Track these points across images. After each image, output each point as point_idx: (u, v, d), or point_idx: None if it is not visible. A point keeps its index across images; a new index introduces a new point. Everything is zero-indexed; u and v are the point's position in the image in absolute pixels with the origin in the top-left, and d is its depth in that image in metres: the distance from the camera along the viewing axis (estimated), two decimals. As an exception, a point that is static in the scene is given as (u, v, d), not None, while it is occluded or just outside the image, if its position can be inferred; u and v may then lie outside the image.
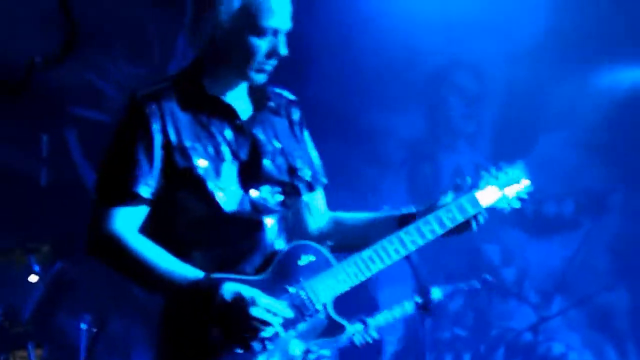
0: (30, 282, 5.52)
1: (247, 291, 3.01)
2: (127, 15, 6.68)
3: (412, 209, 3.46)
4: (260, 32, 3.11)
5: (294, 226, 3.38)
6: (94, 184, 3.17)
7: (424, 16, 7.02)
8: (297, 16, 3.19)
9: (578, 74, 7.36)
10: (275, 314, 3.04)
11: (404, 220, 3.40)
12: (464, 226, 3.45)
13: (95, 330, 5.52)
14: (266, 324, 3.02)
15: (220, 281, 3.02)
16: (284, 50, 3.16)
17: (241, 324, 3.01)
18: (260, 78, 3.21)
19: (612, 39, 7.18)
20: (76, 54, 6.21)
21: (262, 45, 3.12)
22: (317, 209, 3.47)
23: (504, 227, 7.36)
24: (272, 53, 3.15)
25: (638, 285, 7.53)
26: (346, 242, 3.41)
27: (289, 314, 3.10)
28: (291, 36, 3.20)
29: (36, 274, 5.47)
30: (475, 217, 3.45)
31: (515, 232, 7.44)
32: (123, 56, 6.89)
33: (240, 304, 2.99)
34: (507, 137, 7.40)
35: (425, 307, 4.94)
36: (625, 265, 7.48)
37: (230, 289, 3.01)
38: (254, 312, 3.00)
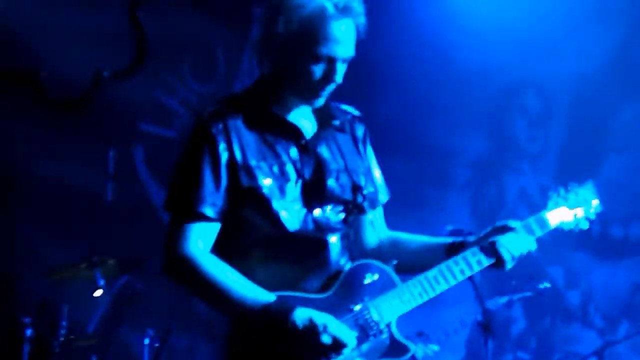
0: (95, 297, 5.57)
1: (319, 318, 3.01)
2: (194, 34, 6.75)
3: (464, 237, 3.42)
4: (315, 58, 3.11)
5: (353, 243, 3.38)
6: (163, 201, 3.20)
7: (491, 36, 7.00)
8: (366, 36, 3.18)
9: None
10: (344, 343, 3.02)
11: (453, 249, 3.36)
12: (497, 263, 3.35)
13: (157, 345, 5.56)
14: (336, 351, 3.02)
15: (292, 306, 3.02)
16: (338, 78, 3.15)
17: (311, 350, 3.01)
18: (317, 101, 3.23)
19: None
20: (144, 70, 6.29)
21: (316, 71, 3.13)
22: (377, 227, 3.47)
23: (568, 249, 7.27)
24: (326, 80, 3.14)
25: None
26: (400, 263, 3.37)
27: (355, 341, 3.08)
28: (360, 56, 3.19)
29: (101, 288, 5.53)
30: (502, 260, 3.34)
31: (580, 255, 7.34)
32: (190, 74, 6.97)
33: (312, 330, 2.99)
34: (572, 158, 7.33)
35: (487, 328, 4.91)
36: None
37: (302, 315, 3.01)
38: (325, 339, 3.00)
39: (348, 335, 3.04)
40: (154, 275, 5.95)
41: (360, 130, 3.42)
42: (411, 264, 3.34)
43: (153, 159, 6.76)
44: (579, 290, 7.40)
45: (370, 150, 3.46)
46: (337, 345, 3.01)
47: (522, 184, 7.41)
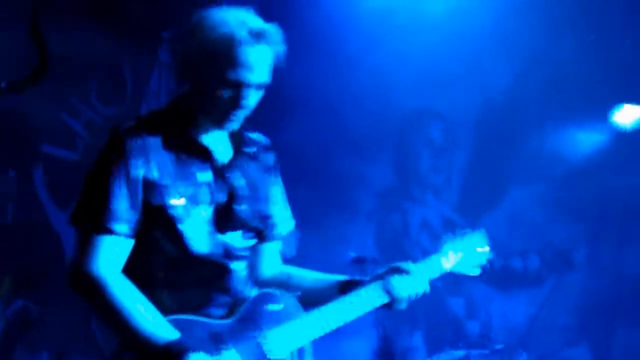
0: (-10, 319, 5.44)
1: None
2: (100, 55, 6.67)
3: (355, 278, 3.45)
4: (224, 83, 3.09)
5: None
6: (71, 214, 3.12)
7: (397, 66, 7.08)
8: (275, 64, 3.18)
9: (546, 130, 7.45)
10: None
11: (346, 288, 3.38)
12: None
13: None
14: None
15: (187, 349, 2.98)
16: (249, 104, 3.14)
17: None
18: (230, 126, 3.20)
19: (581, 96, 7.28)
20: (48, 91, 6.19)
21: (225, 96, 3.10)
22: (274, 257, 3.46)
23: (469, 280, 7.36)
24: (235, 105, 3.12)
25: (601, 341, 7.56)
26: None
27: None
28: (269, 82, 3.19)
29: (-4, 311, 5.39)
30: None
31: (480, 286, 7.46)
32: (96, 96, 6.88)
33: None
34: (474, 190, 7.45)
35: (388, 356, 4.94)
36: (588, 321, 7.51)
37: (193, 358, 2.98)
38: None
39: None
40: (51, 297, 5.88)
41: (270, 159, 3.42)
42: (304, 299, 3.33)
43: (54, 181, 6.63)
44: (479, 320, 7.50)
45: (279, 179, 3.46)
46: None
47: (425, 215, 7.50)
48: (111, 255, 3.05)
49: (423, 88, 7.24)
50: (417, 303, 6.45)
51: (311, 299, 3.33)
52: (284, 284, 3.36)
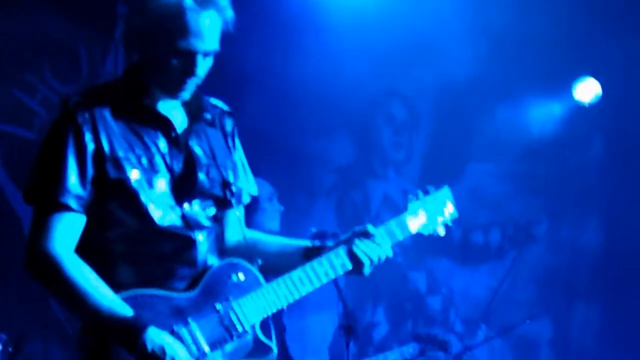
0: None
1: (170, 349, 2.94)
2: (56, 33, 6.58)
3: (327, 239, 3.40)
4: (174, 52, 3.02)
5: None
6: (23, 191, 3.05)
7: (358, 45, 7.06)
8: (233, 40, 3.12)
9: (505, 106, 7.49)
10: None
11: (310, 253, 3.32)
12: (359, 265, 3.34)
13: (11, 350, 5.37)
14: None
15: (145, 325, 2.93)
16: (200, 72, 3.07)
17: None
18: (182, 95, 3.13)
19: (539, 72, 7.32)
20: (3, 69, 6.11)
21: (175, 65, 3.04)
22: (236, 224, 3.38)
23: (430, 255, 7.40)
24: (186, 73, 3.05)
25: (561, 315, 7.63)
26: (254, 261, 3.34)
27: None
28: (226, 58, 3.13)
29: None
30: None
31: (442, 260, 7.49)
32: (51, 73, 6.79)
33: (159, 358, 2.92)
34: (435, 166, 7.47)
35: (350, 330, 4.93)
36: (549, 296, 7.58)
37: (153, 338, 2.93)
38: None
39: None
40: (10, 278, 5.81)
41: (229, 125, 3.34)
42: (269, 265, 3.28)
43: (11, 159, 6.55)
44: (440, 295, 7.54)
45: (239, 144, 3.38)
46: None
47: (386, 190, 7.50)
48: (65, 232, 2.99)
49: (385, 66, 7.24)
50: (380, 278, 6.48)
51: (275, 265, 3.28)
52: (249, 251, 3.28)
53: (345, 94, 7.24)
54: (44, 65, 6.73)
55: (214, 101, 3.33)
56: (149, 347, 2.92)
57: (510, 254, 7.48)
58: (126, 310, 2.95)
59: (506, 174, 7.58)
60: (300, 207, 7.07)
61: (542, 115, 7.55)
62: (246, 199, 3.39)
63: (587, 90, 7.36)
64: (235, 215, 3.34)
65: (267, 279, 3.21)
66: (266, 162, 6.03)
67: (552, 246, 7.65)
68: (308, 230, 5.26)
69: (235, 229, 3.37)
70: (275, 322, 3.57)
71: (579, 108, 7.43)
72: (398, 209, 7.38)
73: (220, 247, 3.26)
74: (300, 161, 7.15)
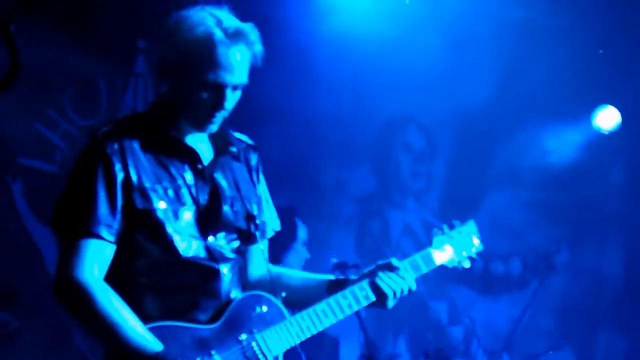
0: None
1: None
2: (76, 67, 6.63)
3: (348, 270, 3.43)
4: (202, 85, 3.05)
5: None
6: (52, 219, 3.07)
7: (376, 74, 7.08)
8: (252, 71, 3.14)
9: (524, 135, 7.47)
10: None
11: (334, 286, 3.35)
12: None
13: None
14: None
15: None
16: (228, 106, 3.10)
17: None
18: (209, 128, 3.15)
19: (561, 100, 7.31)
20: (22, 101, 6.15)
21: (204, 97, 3.06)
22: (260, 258, 3.40)
23: (451, 285, 7.37)
24: (215, 107, 3.08)
25: (583, 344, 7.57)
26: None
27: None
28: (245, 90, 3.15)
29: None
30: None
31: (463, 290, 7.45)
32: (71, 107, 6.83)
33: None
34: (454, 195, 7.45)
35: (371, 360, 4.92)
36: (571, 324, 7.53)
37: None
38: None
39: None
40: (31, 311, 5.81)
41: (254, 159, 3.37)
42: (293, 299, 3.29)
43: (32, 193, 6.58)
44: (462, 325, 7.50)
45: (262, 179, 3.41)
46: None
47: (406, 220, 7.49)
48: (95, 261, 3.00)
49: (402, 95, 7.25)
50: (401, 308, 6.44)
51: (299, 299, 3.30)
52: (273, 284, 3.29)
53: (364, 124, 7.26)
54: (65, 100, 6.78)
55: (239, 135, 3.36)
56: None
57: (532, 283, 7.45)
58: (155, 345, 2.96)
59: (526, 203, 7.56)
60: (320, 237, 7.06)
61: (562, 143, 7.53)
62: (270, 234, 3.40)
63: (607, 118, 7.35)
64: (259, 249, 3.36)
65: (291, 313, 3.22)
66: (286, 192, 6.04)
67: (574, 275, 7.60)
68: (329, 260, 5.28)
69: (259, 263, 3.39)
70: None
71: (599, 136, 7.41)
72: (418, 238, 7.39)
73: (244, 281, 3.28)
74: (320, 191, 7.15)
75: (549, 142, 7.51)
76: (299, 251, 5.46)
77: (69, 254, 2.99)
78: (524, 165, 7.52)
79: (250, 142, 3.39)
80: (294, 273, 3.49)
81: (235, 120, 3.24)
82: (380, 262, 3.37)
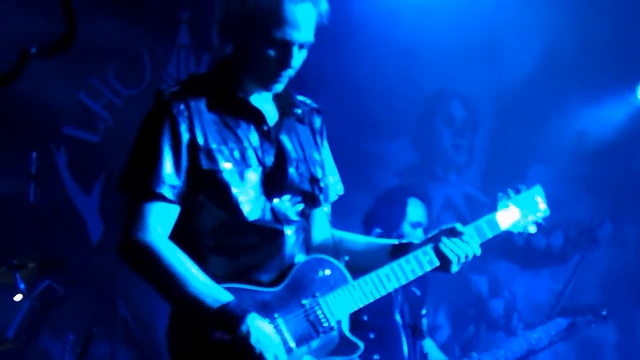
0: (16, 301, 5.43)
1: (266, 339, 2.96)
2: (119, 37, 6.67)
3: (406, 241, 3.40)
4: (269, 42, 3.04)
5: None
6: (118, 180, 3.10)
7: (418, 46, 7.04)
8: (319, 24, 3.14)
9: (567, 108, 7.40)
10: None
11: (397, 252, 3.33)
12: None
13: (78, 350, 5.44)
14: None
15: (247, 311, 2.96)
16: (295, 64, 3.09)
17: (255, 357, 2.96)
18: (276, 87, 3.16)
19: (605, 72, 7.23)
20: (66, 71, 6.20)
21: (271, 55, 3.06)
22: (323, 222, 3.38)
23: (492, 258, 7.34)
24: (282, 64, 3.07)
25: (626, 319, 7.51)
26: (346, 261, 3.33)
27: None
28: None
29: (21, 292, 5.39)
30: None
31: (503, 264, 7.42)
32: (115, 78, 6.88)
33: (261, 345, 2.94)
34: (497, 168, 7.40)
35: (416, 330, 4.91)
36: (614, 299, 7.47)
37: (257, 325, 2.96)
38: (269, 357, 2.96)
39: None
40: (76, 279, 5.88)
41: (318, 122, 3.38)
42: (355, 264, 3.29)
43: (76, 162, 6.64)
44: (502, 299, 7.47)
45: (326, 143, 3.42)
46: None
47: (448, 193, 7.46)
48: (160, 221, 3.02)
49: (444, 67, 7.20)
50: (441, 281, 6.43)
51: (362, 264, 3.29)
52: (336, 248, 3.30)
53: (406, 95, 7.22)
54: (109, 70, 6.82)
55: (303, 98, 3.37)
56: (253, 333, 2.93)
57: (574, 257, 7.39)
58: (227, 296, 2.97)
59: (568, 177, 7.48)
60: (360, 209, 7.06)
61: (604, 116, 7.45)
62: (333, 198, 3.40)
63: (653, 90, 7.25)
64: (323, 213, 3.35)
65: (354, 277, 3.22)
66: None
67: (617, 249, 7.54)
68: (373, 231, 5.26)
69: (323, 227, 3.38)
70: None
71: (642, 109, 7.33)
72: (459, 212, 7.35)
73: (308, 244, 3.27)
74: (361, 163, 7.13)
75: (591, 115, 7.44)
76: (408, 235, 5.23)
77: (134, 215, 3.02)
78: (567, 139, 7.45)
79: (314, 105, 3.40)
80: (357, 238, 3.48)
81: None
82: (444, 227, 3.35)
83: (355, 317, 3.19)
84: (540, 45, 7.31)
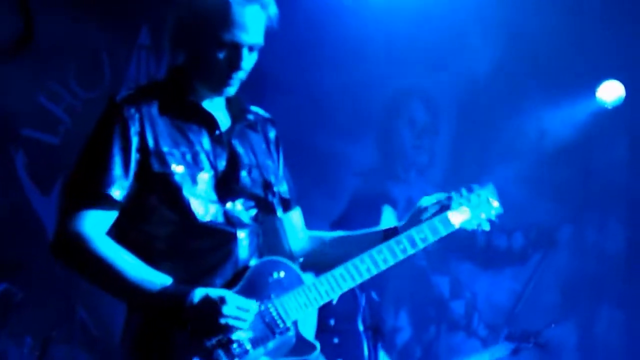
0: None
1: (215, 292, 2.97)
2: (78, 39, 6.62)
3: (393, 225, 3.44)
4: (219, 44, 3.09)
5: (272, 246, 3.31)
6: (65, 182, 3.12)
7: (377, 46, 7.06)
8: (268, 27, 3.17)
9: (528, 109, 7.45)
10: (246, 308, 3.00)
11: (389, 236, 3.38)
12: None
13: (37, 353, 5.40)
14: (238, 320, 2.98)
15: (189, 287, 2.97)
16: (245, 66, 3.13)
17: (213, 324, 2.96)
18: (227, 90, 3.19)
19: (563, 74, 7.29)
20: (25, 73, 6.15)
21: (221, 58, 3.10)
22: (295, 229, 3.41)
23: (454, 259, 7.37)
24: (232, 67, 3.11)
25: (586, 320, 7.58)
26: (326, 259, 3.35)
27: (256, 306, 3.05)
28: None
29: (-21, 295, 5.34)
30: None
31: (465, 265, 7.45)
32: (75, 80, 6.83)
33: (210, 304, 2.95)
34: (458, 169, 7.44)
35: (377, 331, 4.93)
36: (573, 300, 7.53)
37: (198, 292, 2.96)
38: (225, 310, 2.96)
39: (247, 302, 3.01)
40: (35, 282, 5.83)
41: (272, 134, 3.41)
42: (340, 260, 3.29)
43: (35, 164, 6.59)
44: (463, 300, 7.51)
45: (282, 155, 3.44)
46: (239, 313, 2.98)
47: (409, 194, 7.48)
48: (98, 220, 3.02)
49: (405, 67, 7.23)
50: (403, 282, 6.45)
51: (352, 255, 3.30)
52: (319, 250, 3.37)
53: (367, 96, 7.24)
54: (69, 73, 6.77)
55: (256, 109, 3.39)
56: (197, 300, 2.95)
57: (534, 258, 7.44)
58: (166, 279, 2.99)
59: (529, 178, 7.54)
60: (321, 211, 7.06)
61: (565, 117, 7.51)
62: (292, 205, 3.41)
63: (610, 92, 7.31)
64: (290, 220, 3.37)
65: (315, 276, 3.25)
66: (286, 166, 6.04)
67: (576, 250, 7.60)
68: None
69: (297, 233, 3.40)
70: None
71: (602, 110, 7.38)
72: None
73: (261, 250, 3.27)
74: (322, 163, 7.14)
75: (552, 117, 7.49)
76: None
77: (71, 211, 3.03)
78: (527, 140, 7.51)
79: (267, 115, 3.43)
80: (339, 234, 3.52)
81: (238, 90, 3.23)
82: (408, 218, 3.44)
83: (322, 322, 3.20)
84: (501, 44, 7.35)
